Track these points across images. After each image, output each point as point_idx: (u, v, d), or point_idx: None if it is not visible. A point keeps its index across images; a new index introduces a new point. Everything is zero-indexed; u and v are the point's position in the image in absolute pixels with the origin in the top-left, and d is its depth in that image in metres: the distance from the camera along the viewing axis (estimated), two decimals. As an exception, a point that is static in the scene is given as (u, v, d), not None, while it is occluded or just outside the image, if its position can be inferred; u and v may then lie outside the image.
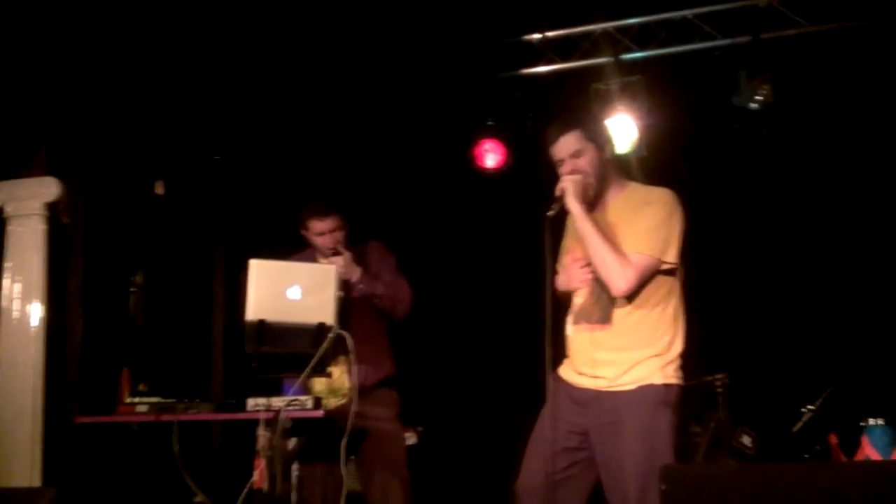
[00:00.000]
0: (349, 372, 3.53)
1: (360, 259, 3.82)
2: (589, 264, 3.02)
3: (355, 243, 3.88)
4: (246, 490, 3.13)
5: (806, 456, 4.35)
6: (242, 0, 4.44)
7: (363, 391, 3.62)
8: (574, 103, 4.87)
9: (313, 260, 3.84)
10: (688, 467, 2.46)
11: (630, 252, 2.91)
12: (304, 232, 3.84)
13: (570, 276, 3.11)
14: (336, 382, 3.68)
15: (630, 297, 2.94)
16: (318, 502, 3.64)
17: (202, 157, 5.41)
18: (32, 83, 4.46)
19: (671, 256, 2.95)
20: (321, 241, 3.78)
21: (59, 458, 4.26)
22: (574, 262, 3.10)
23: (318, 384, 3.67)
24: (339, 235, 3.79)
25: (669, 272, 2.97)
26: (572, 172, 2.97)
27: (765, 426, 4.51)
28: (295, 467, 3.30)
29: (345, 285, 3.66)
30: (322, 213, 3.78)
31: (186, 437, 3.30)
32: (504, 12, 4.79)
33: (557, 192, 2.97)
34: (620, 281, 2.90)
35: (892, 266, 4.84)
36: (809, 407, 4.40)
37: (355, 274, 3.72)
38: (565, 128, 3.02)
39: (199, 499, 3.88)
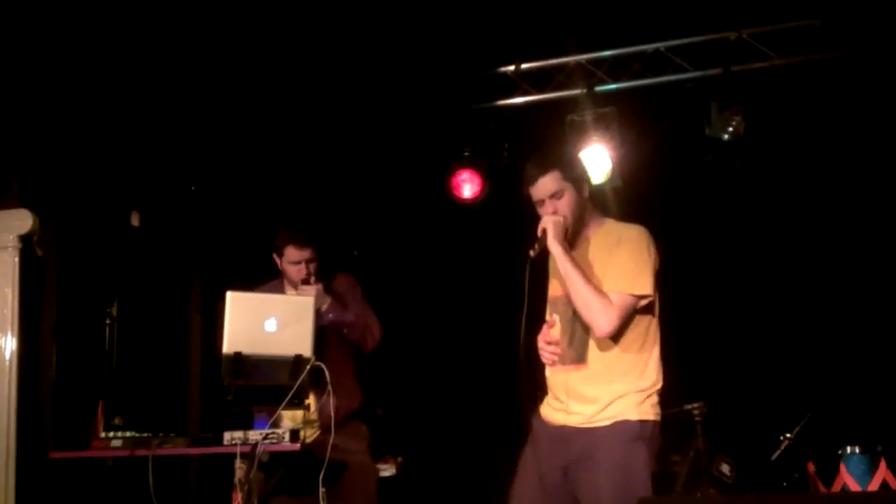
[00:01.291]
0: (319, 403, 3.53)
1: (329, 290, 3.83)
2: (552, 343, 3.04)
3: (324, 275, 3.88)
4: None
5: (784, 484, 4.36)
6: (217, 33, 4.45)
7: (339, 420, 3.64)
8: (549, 134, 4.92)
9: (282, 290, 3.84)
10: (663, 499, 2.45)
11: (610, 292, 2.93)
12: (277, 257, 3.85)
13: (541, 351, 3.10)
14: (309, 415, 3.66)
15: (606, 339, 2.96)
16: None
17: (177, 188, 5.39)
18: (5, 115, 4.44)
19: (647, 289, 2.97)
20: (295, 271, 3.79)
21: (32, 494, 4.18)
22: (542, 339, 3.09)
23: (289, 417, 3.65)
24: (313, 267, 3.80)
25: (646, 309, 2.99)
26: (553, 213, 2.99)
27: (743, 454, 4.52)
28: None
29: (315, 315, 3.67)
30: (301, 242, 3.80)
31: (163, 471, 3.27)
32: (479, 44, 4.83)
33: (539, 233, 2.99)
34: (604, 322, 2.91)
35: (866, 295, 4.90)
36: (787, 435, 4.41)
37: (325, 303, 3.72)
38: (544, 168, 3.03)
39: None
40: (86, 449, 3.29)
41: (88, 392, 3.98)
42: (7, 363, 4.32)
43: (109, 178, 4.95)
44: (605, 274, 2.98)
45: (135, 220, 5.11)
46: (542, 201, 3.03)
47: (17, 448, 4.22)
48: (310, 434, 3.58)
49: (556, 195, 3.00)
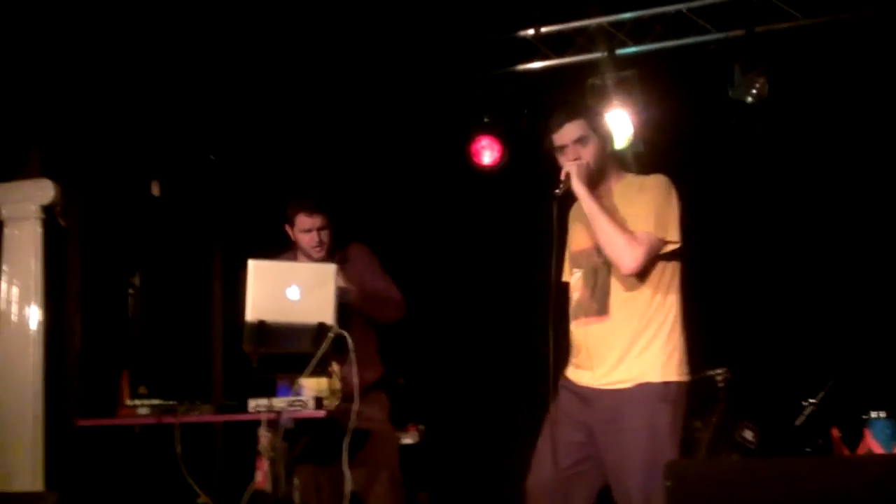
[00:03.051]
0: (341, 372, 3.54)
1: (343, 261, 3.81)
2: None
3: (338, 245, 3.87)
4: (249, 491, 3.12)
5: (808, 450, 4.34)
6: (236, 2, 4.42)
7: (360, 390, 3.66)
8: (569, 98, 4.86)
9: (295, 260, 3.83)
10: (693, 463, 2.47)
11: (635, 231, 2.91)
12: (289, 227, 3.84)
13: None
14: (332, 383, 3.68)
15: (628, 285, 2.95)
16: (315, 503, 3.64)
17: (198, 158, 5.39)
18: (26, 85, 4.44)
19: (674, 236, 2.96)
20: (307, 239, 3.78)
21: (61, 462, 4.25)
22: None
23: (311, 385, 3.66)
24: (325, 235, 3.78)
25: (670, 257, 2.98)
26: (576, 159, 2.98)
27: (767, 420, 4.50)
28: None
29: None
30: (311, 209, 3.78)
31: (189, 439, 3.30)
32: (498, 8, 4.78)
33: (563, 176, 2.98)
34: (629, 258, 2.89)
35: (893, 258, 4.84)
36: (811, 400, 4.39)
37: (352, 291, 3.69)
38: (571, 115, 3.04)
39: (202, 500, 3.89)
40: (112, 416, 3.31)
41: (113, 361, 4.02)
42: (33, 333, 4.36)
43: (130, 148, 4.96)
44: (628, 217, 2.97)
45: (155, 190, 5.12)
46: (565, 147, 3.01)
47: (45, 416, 4.27)
48: (332, 402, 3.63)
49: (580, 141, 3.00)
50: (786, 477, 1.84)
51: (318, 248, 3.78)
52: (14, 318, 4.39)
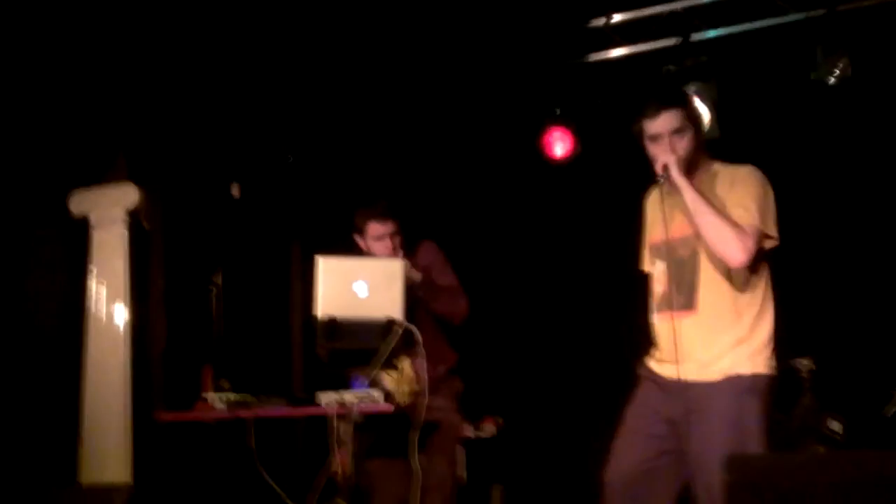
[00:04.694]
0: (415, 366, 3.58)
1: (413, 264, 3.79)
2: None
3: (409, 246, 3.88)
4: (321, 481, 3.17)
5: (899, 441, 4.18)
6: (314, 6, 4.49)
7: (432, 385, 3.66)
8: (657, 89, 4.77)
9: None
10: (754, 457, 2.39)
11: (740, 223, 2.82)
12: (358, 236, 3.86)
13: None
14: (406, 378, 3.71)
15: (716, 279, 2.87)
16: (389, 496, 3.67)
17: (275, 159, 5.50)
18: (110, 92, 4.60)
19: (773, 231, 2.87)
20: (380, 246, 3.79)
21: (147, 455, 4.40)
22: None
23: (388, 379, 3.70)
24: (397, 240, 3.80)
25: (770, 246, 2.88)
26: (670, 150, 2.89)
27: (854, 411, 4.35)
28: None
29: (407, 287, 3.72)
30: (381, 216, 3.79)
31: (268, 432, 3.38)
32: (568, -1, 4.74)
33: (659, 169, 2.89)
34: (739, 250, 2.79)
35: None
36: (900, 389, 4.22)
37: (416, 277, 3.70)
38: (669, 103, 2.93)
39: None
40: (189, 411, 3.41)
41: (196, 356, 4.14)
42: (120, 331, 4.52)
43: (210, 151, 5.09)
44: (726, 209, 2.86)
45: (235, 192, 5.25)
46: (660, 136, 2.90)
47: (133, 411, 4.43)
48: (407, 394, 3.67)
49: (678, 131, 2.90)
50: (851, 473, 1.76)
51: (392, 255, 3.78)
52: (103, 317, 4.55)
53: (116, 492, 2.44)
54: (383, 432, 3.32)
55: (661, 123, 2.91)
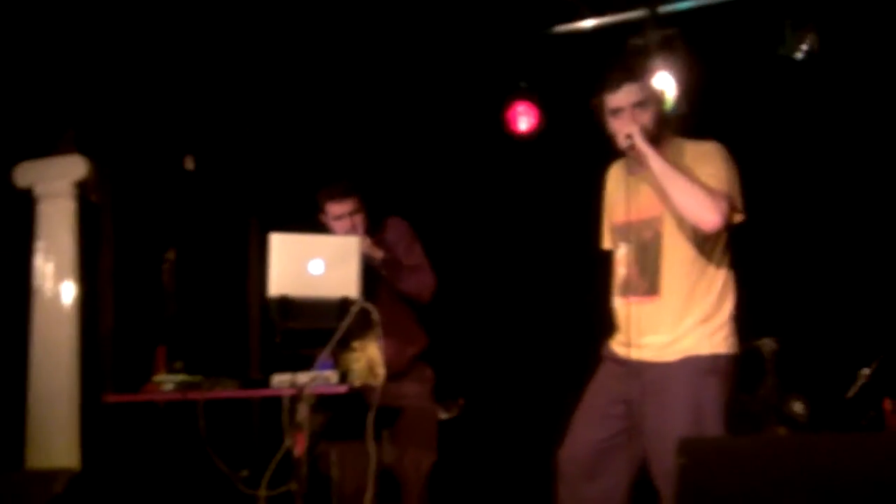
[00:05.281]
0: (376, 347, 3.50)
1: (381, 241, 3.76)
2: None
3: (375, 221, 3.82)
4: (275, 462, 3.08)
5: (863, 423, 4.18)
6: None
7: (397, 370, 3.65)
8: (618, 62, 4.69)
9: None
10: (707, 440, 2.38)
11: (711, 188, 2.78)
12: (321, 216, 3.80)
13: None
14: (366, 358, 3.64)
15: (679, 262, 2.85)
16: (353, 479, 3.61)
17: (233, 131, 5.36)
18: (59, 63, 4.45)
19: (740, 204, 2.84)
20: (339, 226, 3.74)
21: (95, 437, 4.29)
22: None
23: (357, 362, 3.63)
24: (358, 219, 3.74)
25: (727, 228, 2.85)
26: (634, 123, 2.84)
27: (817, 392, 4.35)
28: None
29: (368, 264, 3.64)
30: (340, 196, 3.74)
31: (224, 414, 3.29)
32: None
33: (622, 140, 2.85)
34: (713, 212, 2.75)
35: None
36: (864, 372, 4.21)
37: (377, 254, 3.65)
38: (631, 76, 2.90)
39: (244, 473, 3.88)
40: (138, 392, 3.31)
41: (148, 336, 4.03)
42: (67, 308, 4.40)
43: (162, 122, 4.95)
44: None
45: (189, 164, 5.11)
46: (621, 109, 2.87)
47: (81, 391, 4.31)
48: (367, 375, 3.60)
49: (640, 104, 2.86)
50: (802, 454, 1.74)
51: (353, 234, 3.72)
52: (49, 293, 4.44)
53: (58, 476, 2.34)
54: (346, 415, 3.24)
55: (623, 97, 2.87)
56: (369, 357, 3.56)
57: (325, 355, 3.30)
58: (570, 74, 4.84)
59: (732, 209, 2.82)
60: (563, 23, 4.89)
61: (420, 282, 3.75)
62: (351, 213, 3.73)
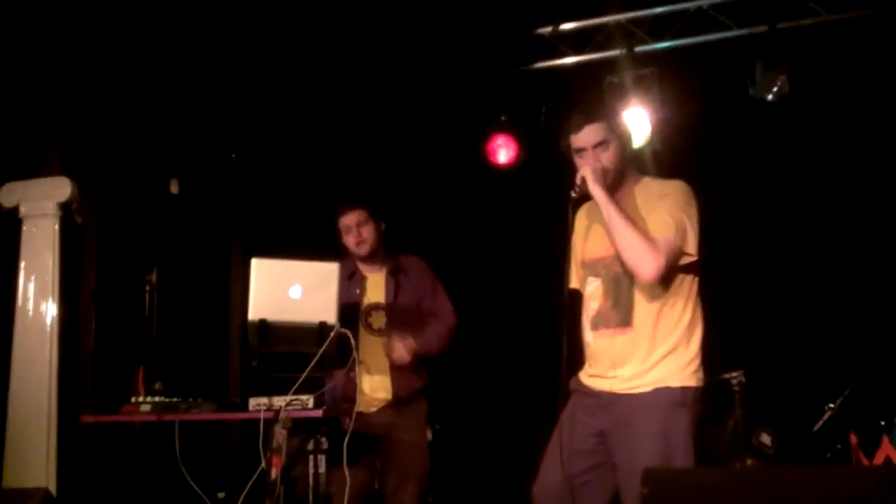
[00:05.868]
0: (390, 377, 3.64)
1: (398, 272, 3.84)
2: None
3: (389, 251, 3.90)
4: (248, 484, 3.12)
5: (828, 455, 4.25)
6: (257, 5, 4.43)
7: (400, 402, 3.76)
8: (588, 97, 4.80)
9: (354, 266, 3.84)
10: (671, 470, 2.39)
11: (656, 238, 2.82)
12: (340, 239, 3.86)
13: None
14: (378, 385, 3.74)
15: (650, 295, 2.88)
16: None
17: (216, 156, 5.42)
18: (47, 85, 4.49)
19: (692, 248, 2.88)
20: (349, 239, 3.80)
21: (72, 457, 4.28)
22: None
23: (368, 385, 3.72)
24: (367, 231, 3.79)
25: (688, 267, 2.90)
26: (594, 163, 2.89)
27: (785, 425, 4.41)
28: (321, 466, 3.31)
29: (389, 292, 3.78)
30: (346, 209, 3.81)
31: (202, 437, 3.31)
32: (516, 6, 4.73)
33: (577, 181, 2.89)
34: (650, 266, 2.80)
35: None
36: (830, 405, 4.29)
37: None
38: (592, 117, 2.94)
39: (221, 495, 3.91)
40: (115, 413, 3.33)
41: (128, 357, 4.06)
42: (48, 329, 4.40)
43: (148, 147, 4.99)
44: (648, 223, 2.88)
45: (174, 188, 5.15)
46: (584, 150, 2.92)
47: (59, 411, 4.31)
48: (378, 401, 3.71)
49: (601, 145, 2.90)
50: (767, 486, 1.78)
51: (360, 245, 3.80)
52: (31, 313, 4.44)
53: (31, 495, 2.36)
54: (340, 440, 3.27)
55: (585, 137, 2.93)
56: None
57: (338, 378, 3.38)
58: (549, 109, 4.96)
59: (682, 253, 2.86)
60: (543, 60, 5.01)
61: (443, 333, 3.87)
62: (358, 225, 3.79)
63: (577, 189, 2.89)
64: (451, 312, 3.90)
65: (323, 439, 3.28)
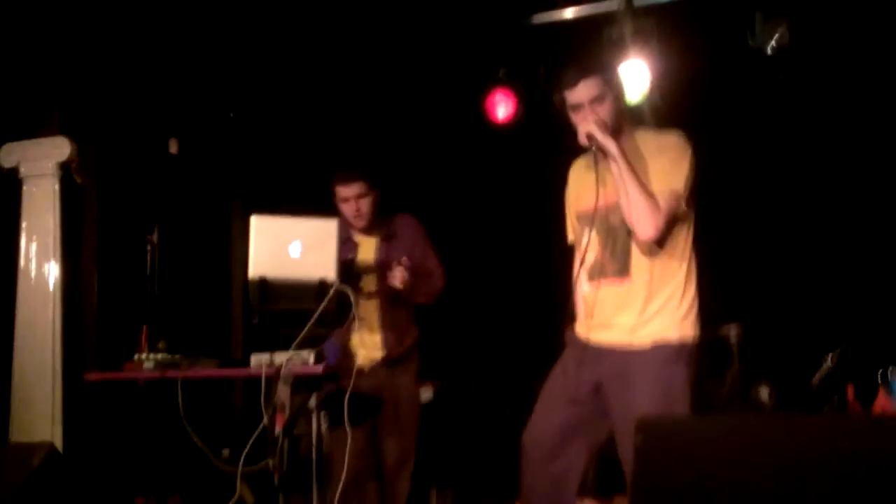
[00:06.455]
0: (384, 336, 3.68)
1: (391, 236, 3.84)
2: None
3: (384, 213, 3.89)
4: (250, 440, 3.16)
5: (826, 408, 4.29)
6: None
7: (396, 357, 3.79)
8: (587, 51, 4.75)
9: (347, 232, 3.82)
10: (666, 418, 2.42)
11: (655, 192, 2.85)
12: (336, 201, 3.85)
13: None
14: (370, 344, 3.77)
15: (648, 246, 2.90)
16: (342, 464, 3.68)
17: (216, 115, 5.40)
18: (44, 44, 4.47)
19: (689, 203, 2.91)
20: (346, 209, 3.80)
21: (77, 414, 4.34)
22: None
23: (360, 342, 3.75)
24: (364, 203, 3.79)
25: (685, 217, 2.93)
26: (592, 118, 2.89)
27: (782, 378, 4.45)
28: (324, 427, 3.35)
29: (380, 250, 3.79)
30: (346, 179, 3.79)
31: (206, 394, 3.35)
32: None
33: (584, 138, 2.89)
34: (650, 226, 2.83)
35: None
36: (829, 357, 4.31)
37: (396, 286, 3.71)
38: (586, 71, 2.92)
39: (225, 454, 3.96)
40: (118, 371, 3.37)
41: (131, 316, 4.09)
42: (51, 289, 4.44)
43: (148, 106, 4.98)
44: (646, 174, 2.90)
45: (173, 148, 5.15)
46: (581, 105, 2.91)
47: (63, 371, 4.36)
48: (370, 360, 3.74)
49: (597, 99, 2.90)
50: (763, 434, 1.80)
51: (357, 218, 3.80)
52: (33, 274, 4.47)
53: (36, 449, 2.40)
54: (339, 399, 3.30)
55: (580, 92, 2.91)
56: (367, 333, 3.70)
57: (340, 337, 3.39)
58: (548, 64, 4.91)
59: (677, 212, 2.89)
60: (541, 12, 4.96)
61: (431, 289, 3.86)
62: (357, 197, 3.78)
63: (590, 144, 2.89)
64: (441, 276, 3.91)
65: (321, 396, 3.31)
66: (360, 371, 3.61)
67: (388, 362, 3.78)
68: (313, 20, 4.86)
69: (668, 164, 2.89)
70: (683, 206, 2.91)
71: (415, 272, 3.75)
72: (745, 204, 4.83)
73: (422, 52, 5.02)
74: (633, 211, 2.85)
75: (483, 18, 4.91)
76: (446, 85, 5.16)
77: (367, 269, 3.83)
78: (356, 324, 3.40)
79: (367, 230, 3.85)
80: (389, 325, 3.77)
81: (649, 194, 2.85)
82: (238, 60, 5.07)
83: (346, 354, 3.67)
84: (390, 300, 3.75)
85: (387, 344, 3.77)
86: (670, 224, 2.88)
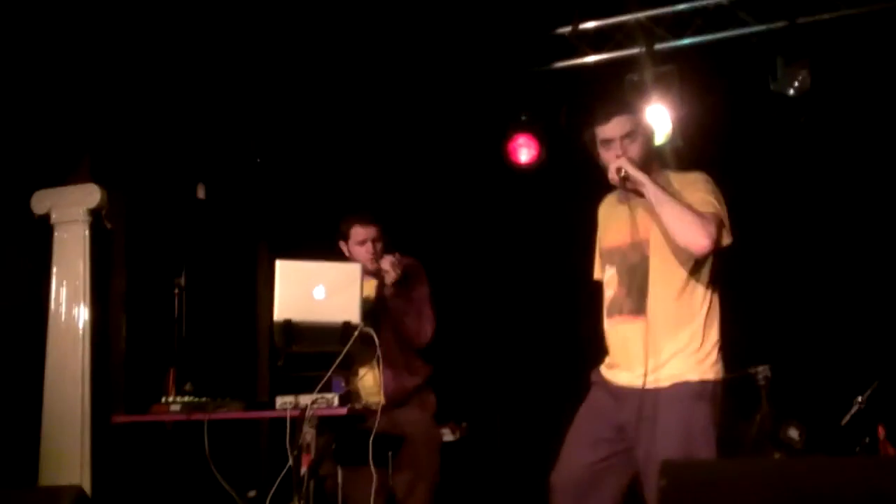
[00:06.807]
0: (383, 378, 3.61)
1: (404, 277, 3.84)
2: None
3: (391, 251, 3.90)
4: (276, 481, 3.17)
5: (857, 449, 4.22)
6: (280, 8, 4.49)
7: (400, 398, 3.78)
8: (615, 93, 4.81)
9: None
10: (691, 462, 2.40)
11: (702, 211, 2.85)
12: (342, 243, 3.91)
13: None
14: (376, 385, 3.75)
15: (666, 284, 2.91)
16: (358, 501, 3.67)
17: (243, 161, 5.49)
18: (75, 94, 4.58)
19: (729, 231, 2.91)
20: (362, 251, 3.84)
21: (105, 456, 4.37)
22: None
23: (366, 385, 3.73)
24: (380, 246, 3.85)
25: (707, 258, 2.91)
26: (622, 155, 2.93)
27: (813, 419, 4.39)
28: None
29: (379, 288, 3.78)
30: (365, 221, 3.86)
31: (232, 436, 3.36)
32: (535, 6, 4.75)
33: (613, 172, 2.92)
34: (702, 236, 2.82)
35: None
36: (858, 398, 4.26)
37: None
38: (620, 108, 3.00)
39: (252, 494, 3.96)
40: (145, 413, 3.40)
41: (159, 359, 4.13)
42: (80, 332, 4.49)
43: (175, 152, 5.07)
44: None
45: (200, 193, 5.22)
46: (612, 141, 2.95)
47: (92, 413, 4.39)
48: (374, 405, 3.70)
49: (628, 136, 2.94)
50: (790, 480, 1.78)
51: (373, 260, 3.83)
52: (63, 317, 4.53)
53: (64, 493, 2.42)
54: (349, 439, 3.32)
55: (613, 128, 2.96)
56: (375, 376, 3.68)
57: (337, 378, 3.41)
58: (569, 108, 4.97)
59: (721, 231, 2.89)
60: (563, 59, 5.03)
61: (421, 325, 3.86)
62: (373, 240, 3.84)
63: (620, 178, 2.91)
64: (431, 323, 3.90)
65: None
66: (371, 411, 3.60)
67: (391, 405, 3.73)
68: (339, 66, 4.95)
69: (701, 194, 2.91)
70: (726, 224, 2.90)
71: (406, 310, 3.79)
72: (771, 245, 4.82)
73: (446, 97, 5.10)
74: (681, 226, 2.84)
75: (506, 64, 4.99)
76: (470, 129, 5.22)
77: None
78: (380, 366, 3.41)
79: (374, 273, 3.88)
80: (388, 366, 3.73)
81: (690, 208, 2.85)
82: (264, 107, 5.16)
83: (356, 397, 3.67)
84: (388, 339, 3.72)
85: (386, 387, 3.72)
86: (720, 238, 2.85)
